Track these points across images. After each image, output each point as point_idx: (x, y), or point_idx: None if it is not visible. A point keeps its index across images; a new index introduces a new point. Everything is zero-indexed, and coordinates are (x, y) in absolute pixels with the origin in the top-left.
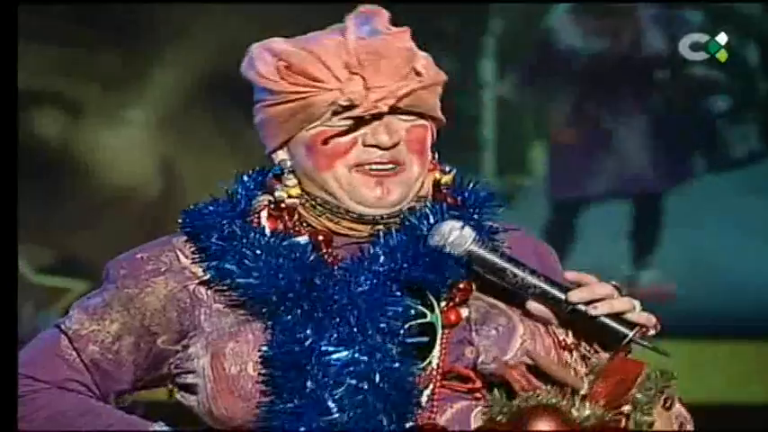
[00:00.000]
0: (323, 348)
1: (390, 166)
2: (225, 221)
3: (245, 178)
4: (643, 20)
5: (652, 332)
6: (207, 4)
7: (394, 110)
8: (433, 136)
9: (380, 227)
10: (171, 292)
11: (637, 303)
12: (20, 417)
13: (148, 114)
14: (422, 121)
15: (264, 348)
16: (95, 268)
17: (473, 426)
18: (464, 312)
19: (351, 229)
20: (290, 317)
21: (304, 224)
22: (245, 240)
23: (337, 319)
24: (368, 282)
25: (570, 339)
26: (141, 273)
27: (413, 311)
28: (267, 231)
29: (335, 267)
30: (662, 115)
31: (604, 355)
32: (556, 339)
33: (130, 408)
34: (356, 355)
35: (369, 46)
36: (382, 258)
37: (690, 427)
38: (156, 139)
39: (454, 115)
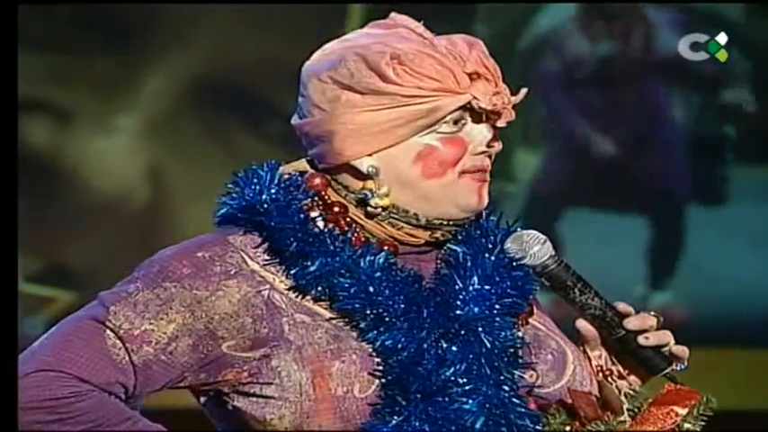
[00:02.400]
0: (450, 375)
1: (486, 173)
2: (296, 224)
3: (264, 176)
4: (651, 21)
5: (681, 366)
6: (197, 12)
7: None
8: None
9: (438, 234)
10: (245, 297)
11: (672, 338)
12: (60, 418)
13: (139, 121)
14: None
15: (383, 371)
16: (83, 276)
17: None
18: (520, 334)
19: (411, 235)
20: (409, 339)
21: (357, 229)
22: (331, 248)
23: (460, 346)
24: (475, 306)
25: (605, 364)
26: (210, 274)
27: (514, 340)
28: (345, 239)
29: (425, 285)
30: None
31: (633, 380)
32: (590, 362)
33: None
34: (482, 385)
35: (483, 52)
36: (477, 282)
37: None
38: (146, 146)
39: None
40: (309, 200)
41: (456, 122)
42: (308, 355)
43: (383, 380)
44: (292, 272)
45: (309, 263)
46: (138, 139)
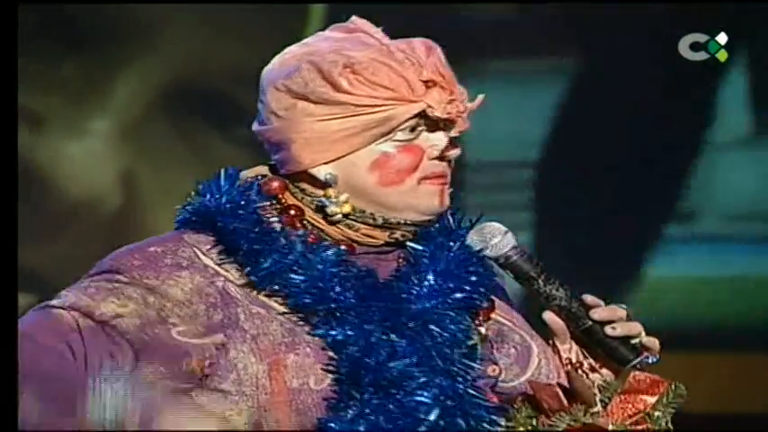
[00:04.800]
0: (401, 368)
1: (446, 177)
2: (250, 224)
3: (222, 183)
4: None
5: (653, 359)
6: (167, 16)
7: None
8: None
9: (398, 234)
10: (197, 286)
11: (642, 329)
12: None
13: (110, 125)
14: None
15: (335, 364)
16: (51, 282)
17: None
18: (483, 331)
19: (368, 236)
20: (359, 333)
21: (314, 231)
22: (284, 245)
23: (411, 340)
24: (428, 300)
25: (575, 357)
26: (162, 265)
27: (468, 333)
28: (298, 237)
29: (380, 282)
30: None
31: (605, 373)
32: (559, 356)
33: None
34: (437, 377)
35: (440, 59)
36: (432, 277)
37: None
38: (118, 151)
39: None
40: (266, 202)
41: (413, 130)
42: (264, 346)
43: (336, 373)
44: (246, 270)
45: (262, 260)
46: (110, 144)
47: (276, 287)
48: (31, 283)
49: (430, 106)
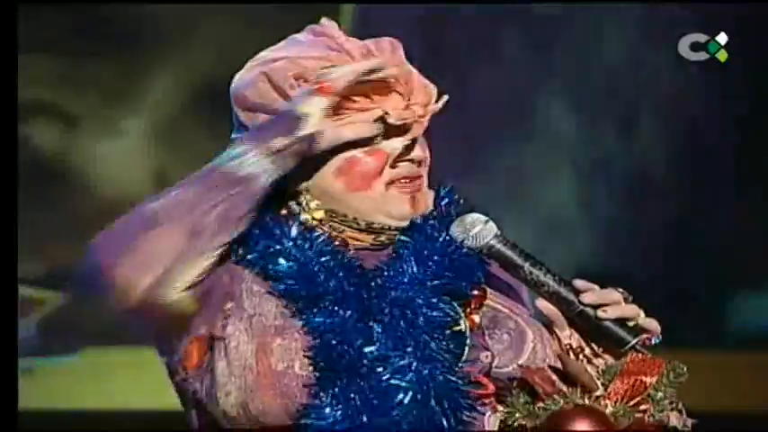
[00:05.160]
0: (376, 353)
1: (417, 180)
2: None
3: None
4: None
5: (655, 340)
6: (200, 15)
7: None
8: None
9: (383, 237)
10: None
11: (641, 311)
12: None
13: (144, 125)
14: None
15: (314, 349)
16: None
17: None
18: (477, 318)
19: (353, 238)
20: (336, 319)
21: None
22: (279, 233)
23: (387, 325)
24: (408, 288)
25: (575, 342)
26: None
27: (449, 319)
28: (294, 224)
29: (365, 272)
30: None
31: (608, 359)
32: (559, 342)
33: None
34: (412, 362)
35: (400, 58)
36: (415, 266)
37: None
38: (152, 150)
39: None
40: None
41: (371, 138)
42: (256, 327)
43: (317, 358)
44: (241, 250)
45: (254, 244)
46: (144, 143)
47: (268, 271)
48: (62, 281)
49: (386, 113)
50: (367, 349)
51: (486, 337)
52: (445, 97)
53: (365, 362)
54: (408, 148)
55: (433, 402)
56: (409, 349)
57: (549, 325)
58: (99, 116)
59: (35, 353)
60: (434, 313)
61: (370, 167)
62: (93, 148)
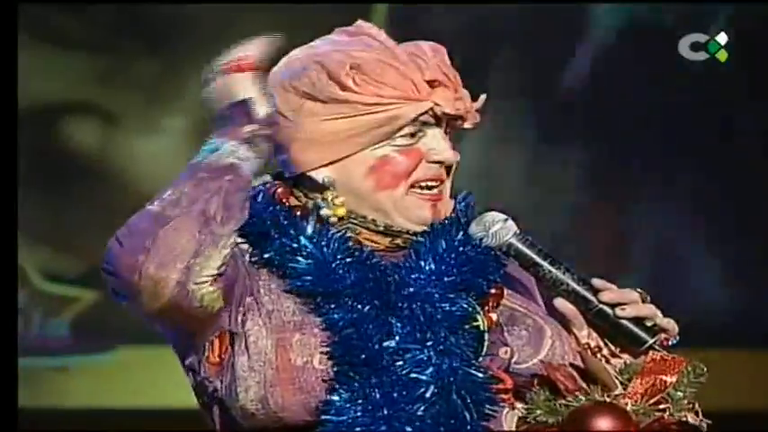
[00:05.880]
0: (396, 347)
1: (439, 185)
2: (269, 210)
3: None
4: None
5: (673, 341)
6: (236, 13)
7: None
8: None
9: (399, 240)
10: (232, 254)
11: (659, 312)
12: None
13: (184, 123)
14: None
15: (333, 344)
16: None
17: (506, 427)
18: (494, 316)
19: (370, 240)
20: (355, 315)
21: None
22: (295, 231)
23: (406, 320)
24: (425, 283)
25: (593, 342)
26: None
27: (467, 314)
28: (309, 222)
29: (382, 268)
30: None
31: (626, 358)
32: (577, 341)
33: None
34: (432, 356)
35: (443, 60)
36: (432, 263)
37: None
38: (192, 148)
39: None
40: (272, 207)
41: (413, 135)
42: (275, 322)
43: (337, 353)
44: (256, 250)
45: (270, 242)
46: (184, 141)
47: (286, 269)
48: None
49: (437, 104)
50: (386, 343)
51: (506, 333)
52: (483, 96)
53: (385, 356)
54: (446, 150)
55: (454, 396)
56: (429, 343)
57: (566, 324)
58: (140, 115)
59: (72, 351)
60: (452, 308)
61: (403, 166)
62: (133, 146)
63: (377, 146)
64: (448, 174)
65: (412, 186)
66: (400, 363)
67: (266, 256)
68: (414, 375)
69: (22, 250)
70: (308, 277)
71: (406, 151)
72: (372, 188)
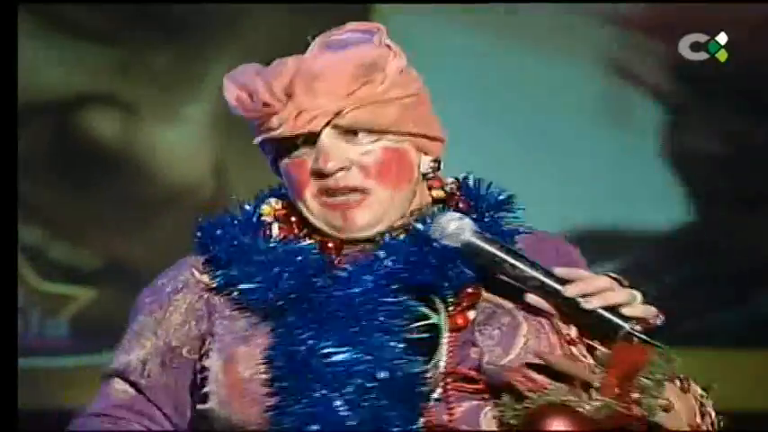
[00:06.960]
0: (324, 350)
1: (352, 193)
2: (233, 233)
3: (266, 192)
4: None
5: (658, 321)
6: (259, 5)
7: (346, 132)
8: (425, 153)
9: (357, 248)
10: (190, 304)
11: (638, 295)
12: None
13: (203, 112)
14: (385, 142)
15: (269, 351)
16: (144, 269)
17: (483, 426)
18: (471, 315)
19: (342, 242)
20: (292, 319)
21: (313, 232)
22: (248, 248)
23: (336, 320)
24: (367, 283)
25: (574, 333)
26: (163, 296)
27: (415, 313)
28: (273, 239)
29: (339, 270)
30: None
31: (605, 349)
32: (560, 334)
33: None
34: (358, 355)
35: (309, 67)
36: (385, 261)
37: (709, 404)
38: (211, 137)
39: None
40: (268, 217)
41: (297, 147)
42: (224, 343)
43: (276, 361)
44: (220, 272)
45: (234, 264)
46: (202, 130)
47: (240, 287)
48: (124, 271)
49: (271, 128)
50: (319, 346)
51: (476, 333)
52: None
53: (315, 359)
54: (316, 159)
55: (384, 393)
56: (355, 343)
57: (550, 317)
58: (158, 104)
59: (72, 351)
60: (393, 307)
61: (296, 178)
62: (152, 135)
63: (282, 159)
64: (385, 175)
65: (322, 194)
66: (332, 365)
67: (216, 285)
68: (346, 377)
69: (31, 250)
70: (255, 294)
71: (294, 163)
72: (293, 197)
